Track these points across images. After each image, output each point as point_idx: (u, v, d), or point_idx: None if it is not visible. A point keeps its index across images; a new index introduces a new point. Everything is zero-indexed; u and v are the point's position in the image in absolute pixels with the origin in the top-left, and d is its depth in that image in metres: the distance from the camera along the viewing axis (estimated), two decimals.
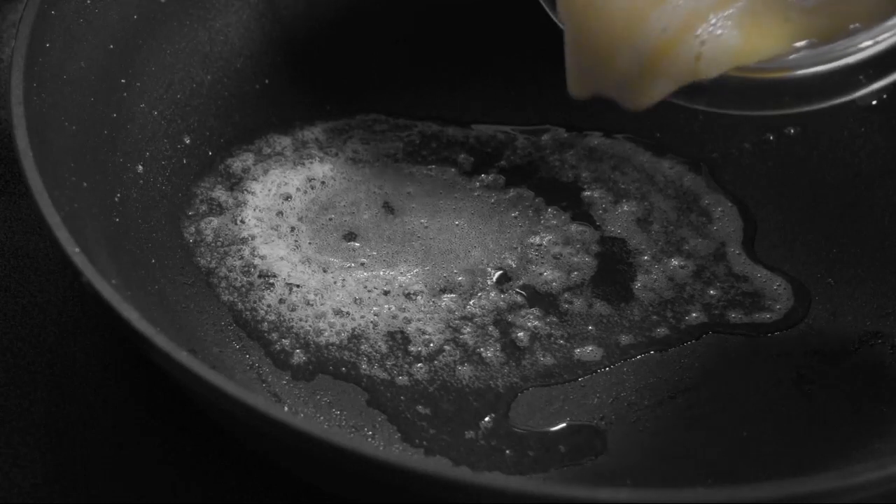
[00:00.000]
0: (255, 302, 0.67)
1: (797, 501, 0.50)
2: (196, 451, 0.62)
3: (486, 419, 0.64)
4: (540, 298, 0.69)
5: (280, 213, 0.71)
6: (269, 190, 0.71)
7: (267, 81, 0.76)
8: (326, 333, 0.66)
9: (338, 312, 0.67)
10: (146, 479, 0.61)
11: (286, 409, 0.63)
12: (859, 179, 0.73)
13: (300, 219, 0.71)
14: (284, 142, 0.74)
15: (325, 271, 0.69)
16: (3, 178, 0.72)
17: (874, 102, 0.75)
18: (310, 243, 0.70)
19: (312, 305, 0.67)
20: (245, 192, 0.71)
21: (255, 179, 0.72)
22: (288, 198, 0.71)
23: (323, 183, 0.72)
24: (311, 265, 0.69)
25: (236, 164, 0.72)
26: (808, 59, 0.64)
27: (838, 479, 0.51)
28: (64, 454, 0.62)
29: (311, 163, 0.73)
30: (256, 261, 0.69)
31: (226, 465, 0.61)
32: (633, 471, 0.62)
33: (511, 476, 0.61)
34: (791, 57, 0.63)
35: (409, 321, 0.67)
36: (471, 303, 0.68)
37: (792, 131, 0.75)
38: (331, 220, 0.71)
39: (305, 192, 0.72)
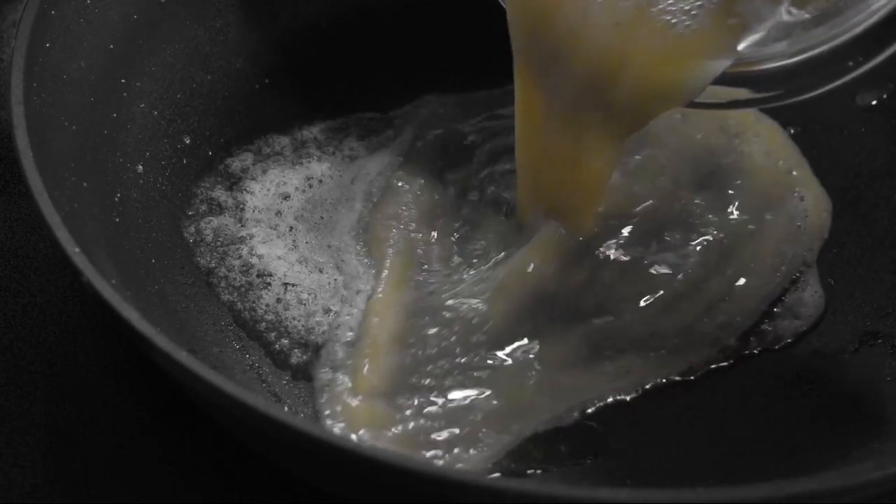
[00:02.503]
0: (253, 302, 0.67)
1: (797, 501, 0.50)
2: (196, 451, 0.62)
3: None
4: None
5: (279, 213, 0.71)
6: (269, 190, 0.71)
7: (267, 81, 0.76)
8: (323, 333, 0.66)
9: (328, 312, 0.67)
10: (146, 479, 0.61)
11: (286, 409, 0.63)
12: (859, 179, 0.73)
13: (298, 218, 0.71)
14: (283, 141, 0.74)
15: (321, 272, 0.69)
16: (3, 178, 0.72)
17: (874, 102, 0.75)
18: (307, 243, 0.70)
19: (305, 305, 0.67)
20: (244, 192, 0.71)
21: (254, 179, 0.72)
22: (286, 197, 0.71)
23: (321, 182, 0.72)
24: (308, 265, 0.69)
25: (235, 164, 0.72)
26: (790, 48, 0.64)
27: (838, 479, 0.51)
28: (64, 454, 0.62)
29: (310, 162, 0.73)
30: (254, 260, 0.68)
31: (226, 465, 0.61)
32: (633, 471, 0.62)
33: (511, 476, 0.61)
34: (772, 48, 0.63)
35: None
36: None
37: (792, 131, 0.75)
38: (329, 218, 0.71)
39: (304, 191, 0.72)
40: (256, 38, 0.76)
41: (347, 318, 0.66)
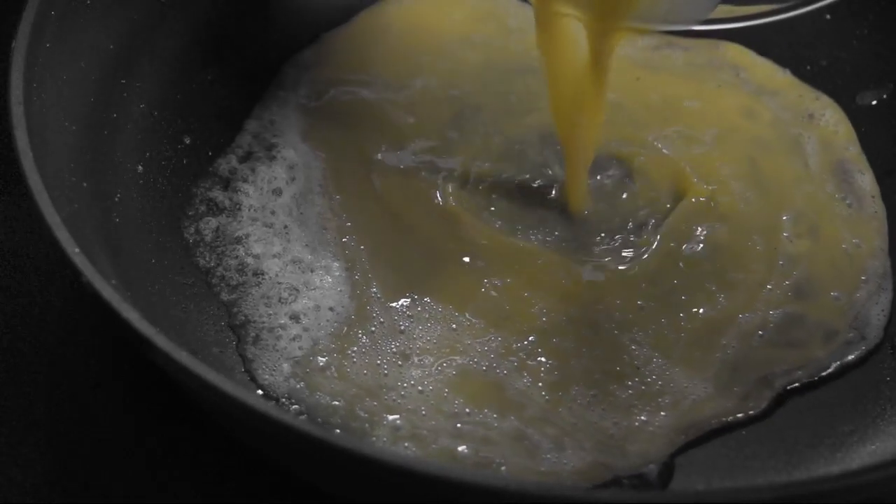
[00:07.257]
0: (251, 301, 0.67)
1: (797, 501, 0.50)
2: (196, 451, 0.62)
3: None
4: None
5: (273, 212, 0.70)
6: (262, 188, 0.71)
7: (266, 81, 0.76)
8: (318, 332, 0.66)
9: (323, 309, 0.67)
10: (146, 479, 0.61)
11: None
12: None
13: (287, 214, 0.70)
14: (247, 139, 0.73)
15: (312, 271, 0.68)
16: (3, 178, 0.72)
17: (874, 102, 0.75)
18: (296, 239, 0.69)
19: (285, 302, 0.67)
20: (239, 193, 0.71)
21: (244, 180, 0.71)
22: (279, 193, 0.71)
23: (296, 169, 0.72)
24: (301, 265, 0.68)
25: (233, 164, 0.72)
26: None
27: (838, 479, 0.51)
28: (64, 454, 0.62)
29: (279, 150, 0.72)
30: (249, 259, 0.68)
31: (226, 465, 0.61)
32: (632, 471, 0.62)
33: (511, 476, 0.61)
34: None
35: None
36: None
37: None
38: (301, 214, 0.71)
39: (289, 182, 0.71)
40: (256, 38, 0.76)
41: (327, 321, 0.66)
